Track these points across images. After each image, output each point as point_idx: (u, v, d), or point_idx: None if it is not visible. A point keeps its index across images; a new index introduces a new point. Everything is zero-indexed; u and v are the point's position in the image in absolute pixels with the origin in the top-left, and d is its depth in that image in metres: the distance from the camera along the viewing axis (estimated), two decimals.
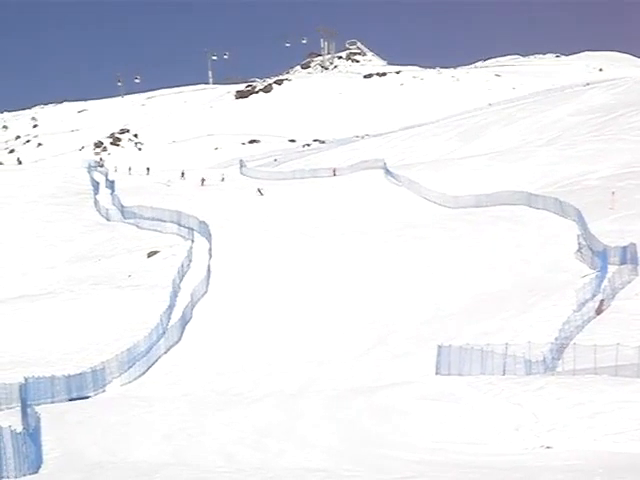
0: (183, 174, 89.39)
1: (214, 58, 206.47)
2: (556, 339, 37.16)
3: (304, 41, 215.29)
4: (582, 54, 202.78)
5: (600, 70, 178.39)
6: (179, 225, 69.70)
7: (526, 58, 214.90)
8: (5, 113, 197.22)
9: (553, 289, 46.12)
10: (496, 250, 56.29)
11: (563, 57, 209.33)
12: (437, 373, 37.24)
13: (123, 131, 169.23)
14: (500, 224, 61.49)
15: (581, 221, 55.31)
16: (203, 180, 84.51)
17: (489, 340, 37.81)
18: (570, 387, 30.10)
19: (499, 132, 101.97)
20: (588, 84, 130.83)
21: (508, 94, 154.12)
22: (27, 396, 36.04)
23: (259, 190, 78.55)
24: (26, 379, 37.45)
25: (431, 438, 28.05)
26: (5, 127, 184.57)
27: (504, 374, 34.63)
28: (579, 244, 52.62)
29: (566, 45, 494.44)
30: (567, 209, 59.20)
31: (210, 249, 63.05)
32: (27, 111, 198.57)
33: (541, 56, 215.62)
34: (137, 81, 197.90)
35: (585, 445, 26.12)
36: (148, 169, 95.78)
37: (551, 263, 51.22)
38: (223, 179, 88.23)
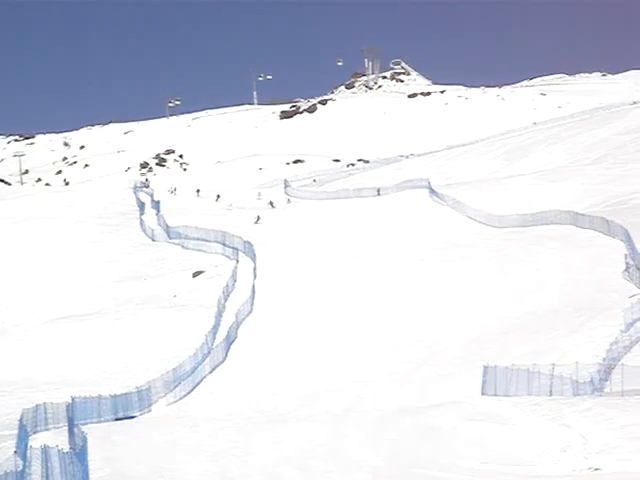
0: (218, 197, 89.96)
1: (259, 79, 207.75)
2: (604, 360, 36.76)
3: (340, 63, 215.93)
4: (629, 72, 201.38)
5: None
6: (224, 245, 69.97)
7: (572, 77, 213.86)
8: (53, 134, 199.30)
9: (600, 309, 45.66)
10: (542, 270, 55.88)
11: (609, 75, 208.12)
12: (483, 393, 36.96)
13: (168, 152, 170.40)
14: (546, 244, 61.06)
15: (629, 240, 54.76)
16: (258, 218, 79.77)
17: (535, 360, 37.46)
18: (618, 408, 29.76)
19: (545, 151, 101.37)
20: (635, 102, 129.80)
21: (554, 113, 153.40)
22: (74, 416, 36.22)
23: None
24: (73, 399, 37.66)
25: (478, 459, 27.84)
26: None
27: (551, 395, 34.31)
28: (627, 264, 52.09)
29: (612, 64, 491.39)
30: (614, 228, 58.64)
31: (255, 269, 63.18)
32: (75, 132, 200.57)
33: (587, 75, 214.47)
34: (178, 103, 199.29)
35: (634, 467, 25.76)
36: (198, 190, 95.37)
37: (598, 283, 50.73)
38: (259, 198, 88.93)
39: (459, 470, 26.76)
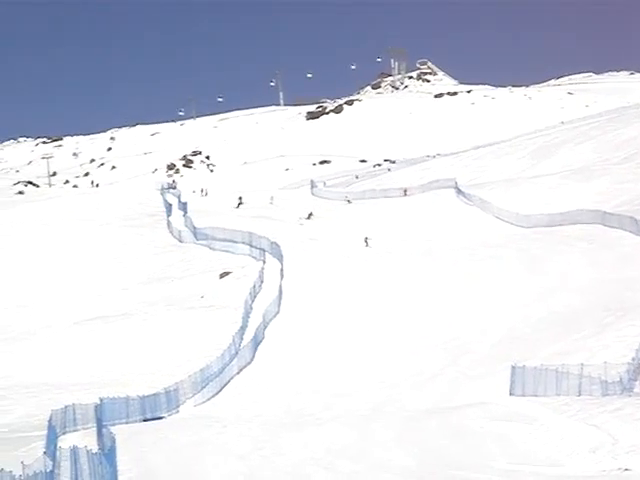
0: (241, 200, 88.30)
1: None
2: (633, 359, 36.54)
3: (353, 67, 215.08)
4: None
5: None
6: (251, 246, 70.03)
7: (599, 75, 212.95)
8: (80, 137, 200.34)
9: (629, 308, 45.39)
10: (571, 269, 55.61)
11: (637, 74, 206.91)
12: (511, 394, 36.83)
13: (195, 153, 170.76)
14: (574, 243, 60.77)
15: None
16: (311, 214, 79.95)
17: (564, 360, 37.29)
18: None
19: (572, 150, 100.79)
20: None
21: (581, 112, 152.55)
22: (102, 416, 36.33)
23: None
24: (101, 400, 37.77)
25: (506, 459, 27.73)
26: (75, 154, 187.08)
27: (579, 395, 34.15)
28: None
29: None
30: None
31: (282, 270, 63.21)
32: (102, 134, 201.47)
33: (615, 73, 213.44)
34: (181, 113, 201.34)
35: None
36: (240, 199, 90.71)
37: (627, 282, 50.42)
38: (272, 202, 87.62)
39: (488, 470, 26.65)
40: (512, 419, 30.88)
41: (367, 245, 67.64)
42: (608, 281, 51.87)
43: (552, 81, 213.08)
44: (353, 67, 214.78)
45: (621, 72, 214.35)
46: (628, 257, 54.96)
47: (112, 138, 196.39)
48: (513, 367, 37.66)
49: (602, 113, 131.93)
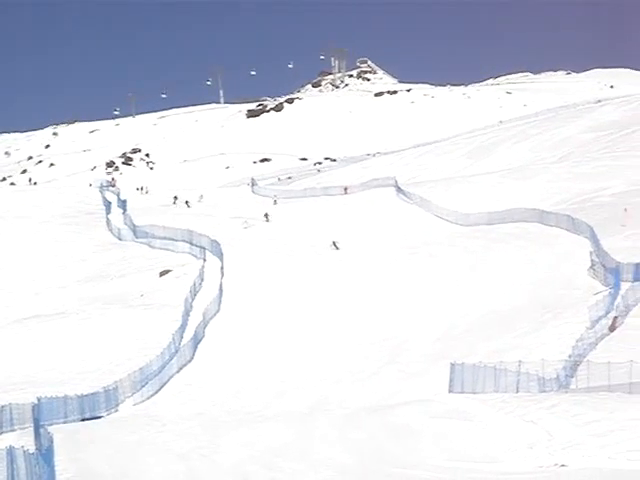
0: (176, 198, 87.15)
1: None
2: (569, 356, 37.01)
3: (290, 66, 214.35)
4: (593, 71, 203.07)
5: (611, 87, 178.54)
6: (191, 244, 69.71)
7: (537, 75, 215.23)
8: (17, 134, 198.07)
9: (566, 306, 45.96)
10: (508, 267, 56.16)
11: (574, 74, 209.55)
12: (450, 391, 37.09)
13: (135, 151, 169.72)
14: (512, 241, 61.35)
15: (594, 238, 55.14)
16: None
17: (502, 358, 37.66)
18: (584, 405, 29.93)
19: (510, 149, 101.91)
20: (599, 101, 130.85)
21: (519, 111, 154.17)
22: (40, 416, 36.00)
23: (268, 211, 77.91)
24: (39, 399, 37.42)
25: (445, 456, 27.92)
26: (7, 153, 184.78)
27: (517, 392, 34.48)
28: (592, 261, 52.44)
29: (577, 62, 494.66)
30: (579, 226, 59.04)
31: (222, 268, 63.03)
32: (40, 131, 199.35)
33: (552, 73, 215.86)
34: (117, 112, 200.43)
35: (600, 463, 25.93)
36: (177, 198, 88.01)
37: (564, 280, 51.05)
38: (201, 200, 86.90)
39: (426, 468, 26.83)
40: (451, 416, 31.09)
41: (336, 248, 65.47)
42: (546, 279, 52.47)
43: (490, 80, 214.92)
44: (290, 66, 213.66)
45: (558, 72, 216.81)
46: (565, 255, 55.61)
47: (55, 134, 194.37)
48: (452, 364, 37.93)
49: (539, 113, 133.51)
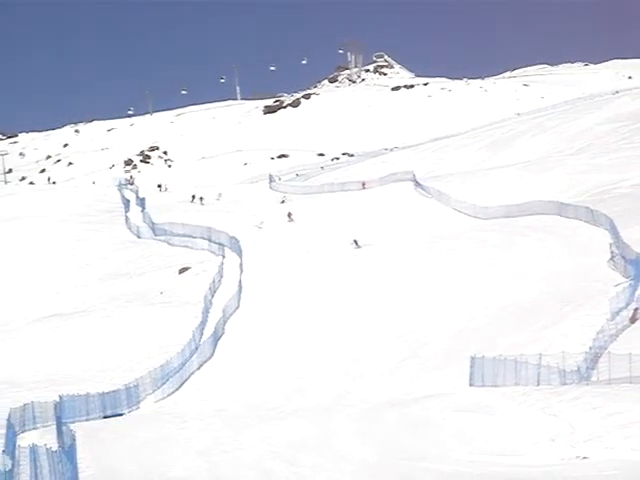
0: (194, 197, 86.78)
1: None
2: (590, 348, 36.89)
3: (304, 62, 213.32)
4: (610, 62, 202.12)
5: (629, 78, 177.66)
6: (210, 241, 69.78)
7: (554, 67, 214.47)
8: (34, 133, 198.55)
9: (586, 298, 45.80)
10: (528, 260, 55.99)
11: (591, 65, 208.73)
12: (471, 385, 37.06)
13: (153, 148, 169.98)
14: (531, 234, 61.18)
15: (613, 229, 54.91)
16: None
17: (523, 351, 37.57)
18: (605, 397, 29.86)
19: (528, 142, 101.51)
20: (617, 92, 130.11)
21: (537, 104, 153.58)
22: (62, 414, 36.17)
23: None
24: (61, 397, 37.60)
25: (466, 450, 27.91)
26: (22, 154, 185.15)
27: (538, 385, 34.41)
28: (612, 253, 52.24)
29: (594, 53, 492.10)
30: (599, 218, 58.80)
31: (241, 264, 63.12)
32: (58, 131, 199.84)
33: (569, 65, 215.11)
34: (130, 112, 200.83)
35: (622, 455, 25.88)
36: (195, 196, 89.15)
37: (584, 272, 50.87)
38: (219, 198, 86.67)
39: (448, 461, 26.83)
40: (472, 410, 31.06)
41: (358, 247, 64.60)
42: (565, 271, 52.29)
43: (507, 73, 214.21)
44: (304, 62, 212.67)
45: (575, 63, 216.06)
46: (584, 247, 55.40)
47: (77, 131, 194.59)
48: (472, 358, 37.88)
49: (557, 105, 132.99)
